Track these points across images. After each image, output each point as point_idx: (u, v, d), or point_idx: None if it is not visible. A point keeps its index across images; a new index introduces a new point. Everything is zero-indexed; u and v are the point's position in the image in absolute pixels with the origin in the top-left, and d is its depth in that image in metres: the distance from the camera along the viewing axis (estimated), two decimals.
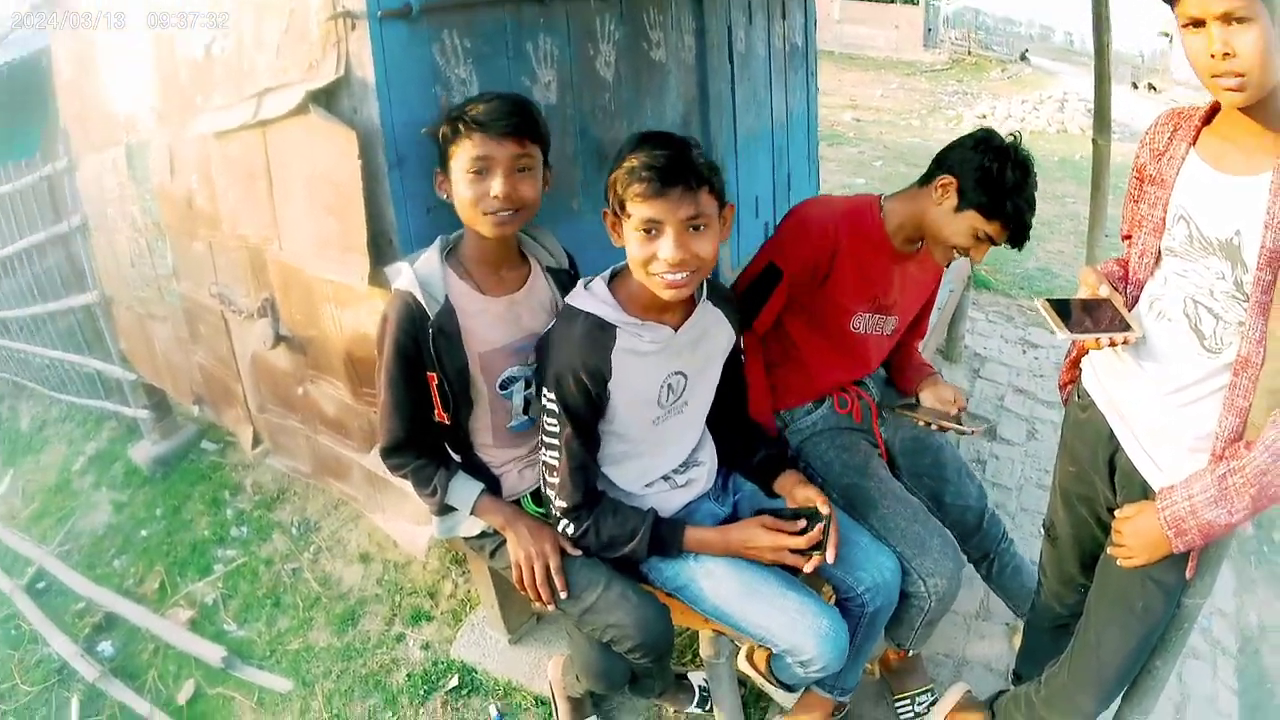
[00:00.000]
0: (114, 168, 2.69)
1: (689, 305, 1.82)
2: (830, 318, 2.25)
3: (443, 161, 1.72)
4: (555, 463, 1.79)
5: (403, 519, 2.24)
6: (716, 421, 2.08)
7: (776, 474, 2.07)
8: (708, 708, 2.36)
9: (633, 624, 1.83)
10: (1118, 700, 2.03)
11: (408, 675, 2.53)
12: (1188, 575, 1.74)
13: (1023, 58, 16.67)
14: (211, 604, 2.80)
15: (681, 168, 1.60)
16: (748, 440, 2.12)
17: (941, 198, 2.09)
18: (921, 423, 2.26)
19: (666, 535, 1.87)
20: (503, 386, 1.87)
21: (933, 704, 2.45)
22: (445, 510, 1.93)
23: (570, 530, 1.85)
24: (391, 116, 1.78)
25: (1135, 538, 1.72)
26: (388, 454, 1.88)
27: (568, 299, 1.78)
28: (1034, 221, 2.10)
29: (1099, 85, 3.64)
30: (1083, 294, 1.73)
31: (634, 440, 1.88)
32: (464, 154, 1.66)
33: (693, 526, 1.91)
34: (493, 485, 1.96)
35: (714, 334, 1.91)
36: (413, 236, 1.85)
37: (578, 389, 1.72)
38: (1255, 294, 1.49)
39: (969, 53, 16.53)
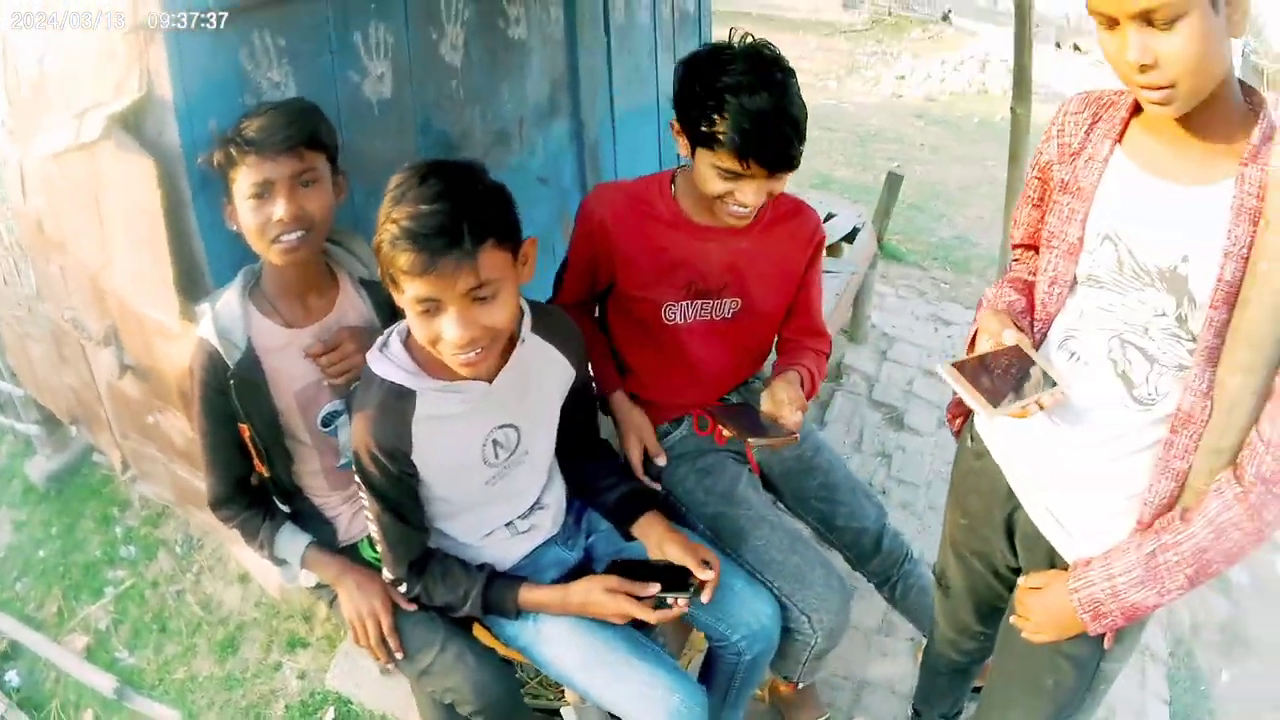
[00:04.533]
0: None
1: (506, 349, 1.58)
2: (642, 312, 1.95)
3: (227, 190, 1.56)
4: (377, 535, 1.65)
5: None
6: (563, 452, 1.88)
7: (637, 515, 1.83)
8: None
9: (470, 689, 1.71)
10: None
11: (286, 707, 2.45)
12: (1105, 646, 1.49)
13: (944, 18, 15.61)
14: (105, 629, 2.71)
15: (453, 228, 1.31)
16: (601, 474, 1.91)
17: (681, 144, 1.76)
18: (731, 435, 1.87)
19: (498, 598, 1.70)
20: (325, 423, 1.75)
21: None
22: (281, 561, 1.82)
23: (403, 590, 1.72)
24: (193, 136, 1.63)
25: (1044, 614, 1.47)
26: (214, 508, 1.77)
27: (368, 358, 1.55)
28: (790, 132, 1.65)
29: (1019, 51, 3.46)
30: (984, 344, 1.43)
31: (464, 502, 1.71)
32: (243, 179, 1.52)
33: (529, 586, 1.72)
34: (327, 532, 1.85)
35: (544, 374, 1.70)
36: (226, 267, 1.71)
37: (376, 468, 1.55)
38: (1205, 337, 1.21)
39: (889, 13, 15.65)
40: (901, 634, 2.69)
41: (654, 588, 1.65)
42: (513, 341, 1.58)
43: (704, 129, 1.65)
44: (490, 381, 1.56)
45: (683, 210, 1.89)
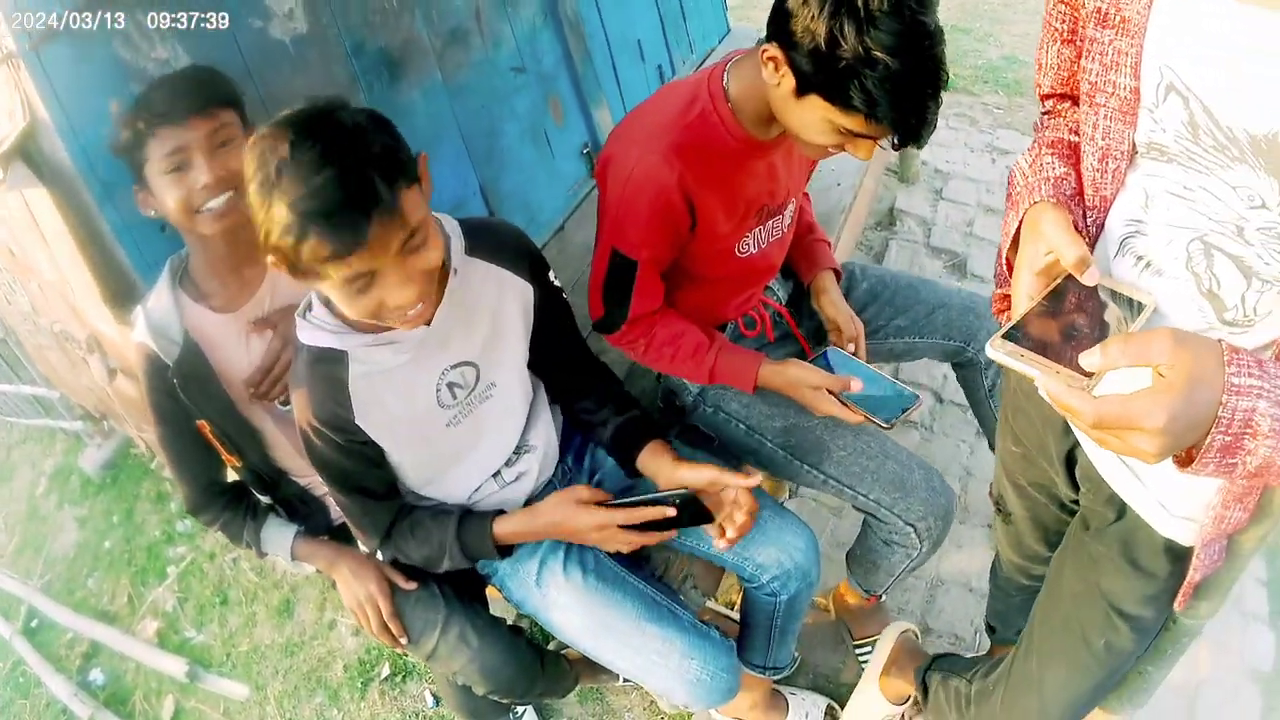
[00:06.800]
0: None
1: (439, 283, 1.36)
2: (713, 259, 1.70)
3: (137, 174, 1.46)
4: (344, 514, 1.58)
5: None
6: (551, 380, 1.71)
7: (639, 447, 1.61)
8: None
9: (476, 671, 1.66)
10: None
11: (344, 667, 2.51)
12: (1176, 607, 1.18)
13: None
14: (172, 610, 2.82)
15: (364, 186, 1.08)
16: (594, 404, 1.71)
17: (775, 76, 1.38)
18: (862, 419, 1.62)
19: (475, 541, 1.54)
20: (285, 404, 1.67)
21: None
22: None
23: (380, 557, 1.64)
24: (80, 146, 1.54)
25: (1163, 400, 0.76)
26: (192, 514, 1.72)
27: (296, 330, 1.38)
28: (934, 104, 1.33)
29: None
30: (1037, 260, 0.97)
31: (432, 456, 1.55)
32: (156, 153, 1.41)
33: (502, 517, 1.54)
34: (320, 513, 1.82)
35: (495, 299, 1.49)
36: (154, 265, 1.62)
37: (323, 443, 1.41)
38: None
39: None
40: (977, 519, 2.49)
41: (647, 512, 1.45)
42: (445, 273, 1.38)
43: (839, 90, 1.30)
44: (428, 324, 1.35)
45: (746, 132, 1.55)
